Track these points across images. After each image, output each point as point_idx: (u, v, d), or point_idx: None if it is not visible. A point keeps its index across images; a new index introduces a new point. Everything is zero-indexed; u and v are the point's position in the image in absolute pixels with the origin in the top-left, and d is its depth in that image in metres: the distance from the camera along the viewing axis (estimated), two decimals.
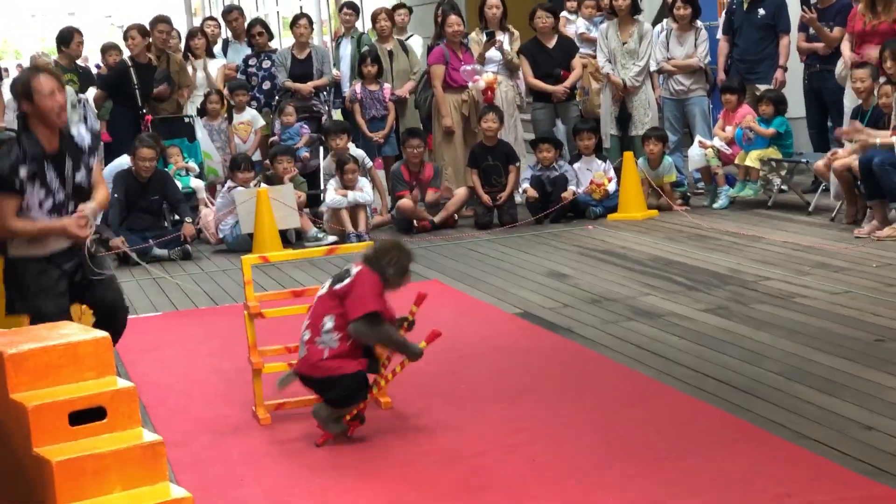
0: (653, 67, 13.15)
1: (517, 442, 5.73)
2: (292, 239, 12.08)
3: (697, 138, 12.66)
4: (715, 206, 12.41)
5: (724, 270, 9.27)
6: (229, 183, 12.36)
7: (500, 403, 6.39)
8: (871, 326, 7.26)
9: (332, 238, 11.95)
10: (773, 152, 12.16)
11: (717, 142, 12.51)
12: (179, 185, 12.55)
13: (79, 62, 15.49)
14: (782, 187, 12.41)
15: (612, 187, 12.48)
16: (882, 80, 10.67)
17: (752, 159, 12.16)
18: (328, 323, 5.86)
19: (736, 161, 12.37)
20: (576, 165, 12.67)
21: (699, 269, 9.42)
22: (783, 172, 12.33)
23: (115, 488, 3.83)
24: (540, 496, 5.04)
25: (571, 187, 12.36)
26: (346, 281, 5.90)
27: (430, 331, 5.96)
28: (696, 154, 12.63)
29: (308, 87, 13.94)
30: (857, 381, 6.21)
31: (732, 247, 10.24)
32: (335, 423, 5.89)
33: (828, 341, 7.00)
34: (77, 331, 4.28)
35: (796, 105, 12.78)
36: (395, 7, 15.17)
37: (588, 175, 12.57)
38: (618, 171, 12.52)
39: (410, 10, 15.17)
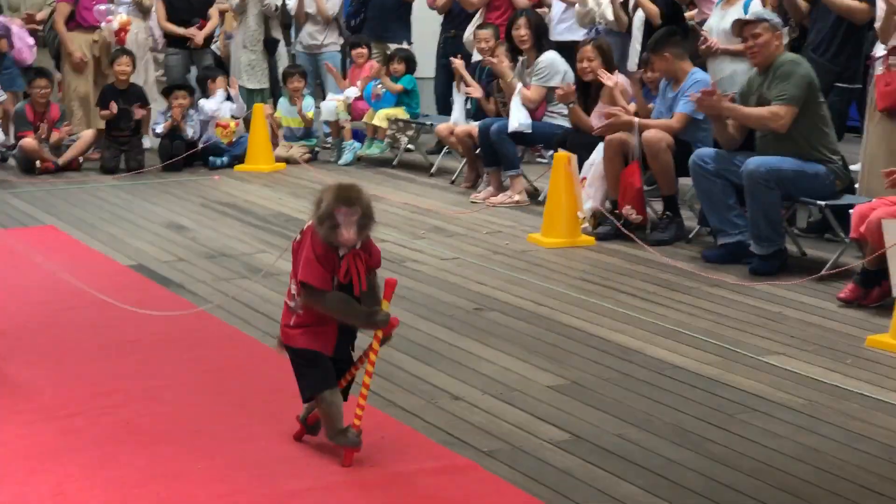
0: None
1: (114, 402, 5.58)
2: None
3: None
4: (340, 162, 12.57)
5: None
6: None
7: (101, 361, 6.22)
8: (473, 295, 7.50)
9: None
10: (400, 112, 12.41)
11: (348, 92, 12.66)
12: None
13: None
14: (408, 147, 12.67)
15: (240, 132, 12.44)
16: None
17: (379, 118, 12.38)
18: (293, 286, 4.88)
19: (364, 119, 12.55)
20: (204, 107, 12.51)
21: None
22: (409, 132, 12.60)
23: None
24: (129, 459, 4.91)
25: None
26: (299, 235, 4.90)
27: (385, 284, 4.81)
28: (328, 106, 12.74)
29: None
30: (452, 351, 6.37)
31: None
32: (336, 433, 4.88)
33: (432, 309, 7.18)
34: None
35: (426, 67, 13.04)
36: None
37: (216, 114, 12.46)
38: (248, 122, 12.52)
39: None
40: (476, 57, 11.78)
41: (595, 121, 9.58)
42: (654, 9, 10.28)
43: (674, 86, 9.06)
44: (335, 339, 4.88)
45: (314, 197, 4.76)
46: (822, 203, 8.16)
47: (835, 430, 5.24)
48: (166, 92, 12.62)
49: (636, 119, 9.02)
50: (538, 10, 11.83)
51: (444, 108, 12.80)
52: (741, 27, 8.36)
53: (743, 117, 8.10)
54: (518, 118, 10.22)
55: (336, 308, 4.77)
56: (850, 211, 7.59)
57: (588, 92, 9.86)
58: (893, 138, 8.43)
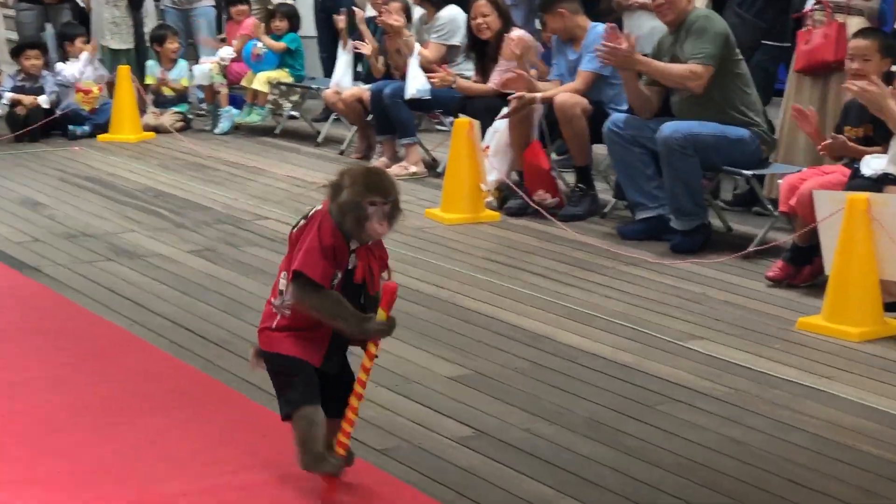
0: None
1: None
2: None
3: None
4: (216, 130, 12.50)
5: (218, 206, 9.37)
6: None
7: None
8: None
9: None
10: (283, 75, 12.37)
11: (223, 53, 12.58)
12: None
13: None
14: (292, 113, 12.62)
15: (102, 99, 12.32)
16: None
17: (260, 82, 12.31)
18: (282, 280, 4.61)
19: (243, 82, 12.47)
20: (60, 69, 12.36)
21: (192, 203, 9.48)
22: (294, 98, 12.54)
23: None
24: None
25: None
26: (303, 221, 4.59)
27: (383, 289, 4.52)
28: (201, 69, 12.65)
29: None
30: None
31: (231, 179, 10.36)
32: (313, 459, 4.55)
33: None
34: None
35: (308, 24, 12.99)
36: None
37: (74, 78, 12.31)
38: (112, 87, 12.40)
39: None
40: (370, 12, 11.70)
41: (496, 78, 9.58)
42: None
43: (575, 45, 9.11)
44: (325, 349, 4.55)
45: (331, 180, 4.47)
46: (748, 173, 8.28)
47: (761, 420, 5.31)
48: (16, 52, 12.45)
49: (538, 89, 9.04)
50: None
51: (331, 70, 12.74)
52: None
53: (658, 73, 8.15)
54: (415, 84, 10.21)
55: (329, 309, 4.44)
56: (779, 182, 7.70)
57: (485, 51, 9.83)
58: (803, 100, 8.47)
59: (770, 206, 8.26)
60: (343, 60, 11.47)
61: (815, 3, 8.57)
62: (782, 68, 9.19)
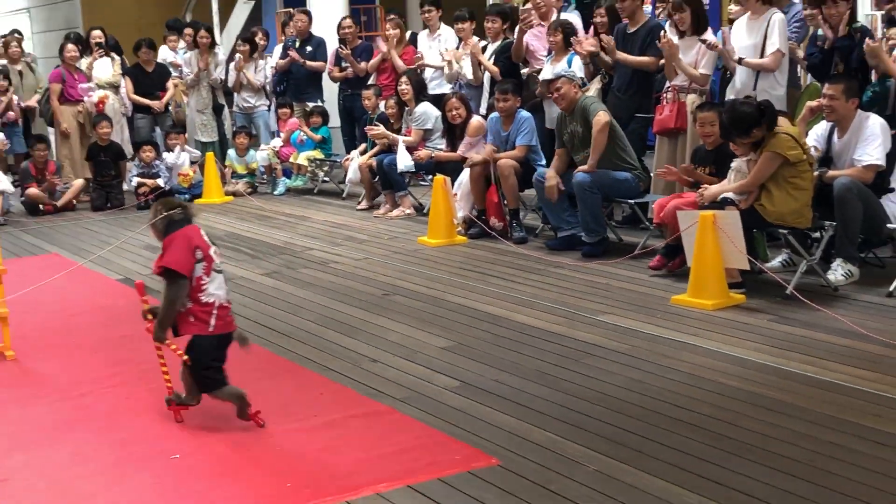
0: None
1: (114, 383, 5.47)
2: None
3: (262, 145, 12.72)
4: (275, 193, 12.44)
5: (279, 243, 9.30)
6: None
7: (102, 352, 6.10)
8: (381, 284, 7.47)
9: None
10: (318, 153, 12.33)
11: (275, 142, 12.57)
12: None
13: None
14: (324, 179, 12.59)
15: (196, 178, 12.26)
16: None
17: (302, 158, 12.29)
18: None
19: (290, 159, 12.45)
20: (168, 160, 12.31)
21: (261, 242, 9.41)
22: (325, 168, 12.52)
23: None
24: (131, 425, 4.83)
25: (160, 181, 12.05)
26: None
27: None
28: (261, 154, 12.61)
29: None
30: (368, 325, 6.33)
31: (286, 224, 10.29)
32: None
33: (351, 296, 7.13)
34: None
35: (335, 119, 12.97)
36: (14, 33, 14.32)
37: (177, 166, 12.26)
38: (203, 167, 12.34)
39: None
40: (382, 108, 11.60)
41: (463, 149, 9.57)
42: (495, 69, 10.27)
43: (505, 122, 9.08)
44: None
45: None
46: (632, 201, 8.30)
47: (652, 366, 5.32)
48: (136, 147, 12.40)
49: (493, 155, 9.01)
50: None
51: (350, 148, 12.69)
52: (547, 85, 8.49)
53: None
54: (403, 161, 10.21)
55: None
56: (652, 205, 7.71)
57: (454, 131, 9.83)
58: (664, 153, 8.61)
59: (647, 223, 8.27)
60: (360, 148, 11.43)
61: (667, 88, 8.62)
62: (650, 131, 9.20)
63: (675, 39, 8.48)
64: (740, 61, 8.00)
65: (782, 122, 6.74)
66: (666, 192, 8.18)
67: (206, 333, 4.59)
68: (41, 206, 11.67)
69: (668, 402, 4.76)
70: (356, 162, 11.11)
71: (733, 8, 9.33)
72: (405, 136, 10.52)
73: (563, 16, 9.98)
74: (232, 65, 13.05)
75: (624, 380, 5.11)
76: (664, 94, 8.65)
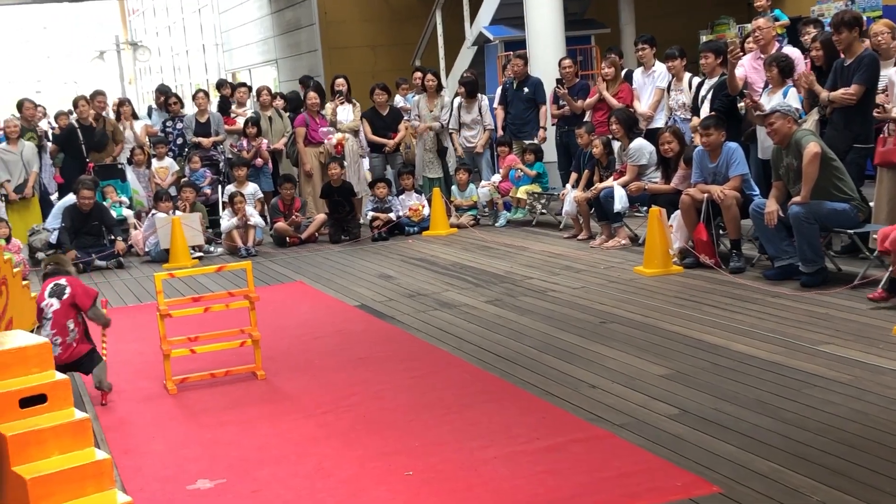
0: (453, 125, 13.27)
1: (353, 402, 5.64)
2: (197, 251, 11.84)
3: (483, 181, 12.88)
4: (496, 225, 12.53)
5: (501, 272, 9.35)
6: (153, 211, 12.07)
7: (342, 372, 6.30)
8: (598, 312, 7.37)
9: (220, 250, 11.97)
10: (535, 187, 12.36)
11: (495, 178, 12.69)
12: (114, 213, 12.22)
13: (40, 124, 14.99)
14: (542, 211, 12.60)
15: (425, 212, 12.52)
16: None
17: (521, 192, 12.34)
18: (71, 324, 5.96)
19: (510, 194, 12.52)
20: (400, 197, 12.66)
21: (484, 271, 9.48)
22: (542, 201, 12.52)
23: (53, 453, 3.68)
24: (367, 442, 4.95)
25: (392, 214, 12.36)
26: (68, 292, 5.98)
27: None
28: (483, 190, 12.77)
29: (208, 141, 13.63)
30: (587, 352, 6.26)
31: (507, 255, 10.34)
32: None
33: (568, 323, 7.08)
34: (25, 337, 4.10)
35: (551, 154, 12.97)
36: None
37: (408, 203, 12.57)
38: (430, 200, 12.59)
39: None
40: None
41: (676, 181, 9.38)
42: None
43: (711, 156, 8.80)
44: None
45: (53, 259, 6.47)
46: (851, 231, 7.87)
47: (875, 397, 4.99)
48: (371, 185, 12.79)
49: (709, 189, 8.75)
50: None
51: (566, 181, 12.65)
52: (763, 118, 8.18)
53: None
54: (620, 200, 10.11)
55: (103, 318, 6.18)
56: (874, 234, 7.29)
57: (668, 164, 9.64)
58: (885, 183, 8.12)
59: (867, 252, 7.82)
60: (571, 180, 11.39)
61: (892, 122, 8.15)
62: (869, 162, 8.70)
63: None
64: None
65: None
66: (889, 222, 7.71)
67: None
68: (287, 239, 12.23)
69: (893, 434, 4.46)
70: (571, 194, 11.06)
71: None
72: (621, 170, 10.40)
73: (784, 50, 9.63)
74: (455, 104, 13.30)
75: (846, 410, 4.83)
76: (886, 125, 8.18)
